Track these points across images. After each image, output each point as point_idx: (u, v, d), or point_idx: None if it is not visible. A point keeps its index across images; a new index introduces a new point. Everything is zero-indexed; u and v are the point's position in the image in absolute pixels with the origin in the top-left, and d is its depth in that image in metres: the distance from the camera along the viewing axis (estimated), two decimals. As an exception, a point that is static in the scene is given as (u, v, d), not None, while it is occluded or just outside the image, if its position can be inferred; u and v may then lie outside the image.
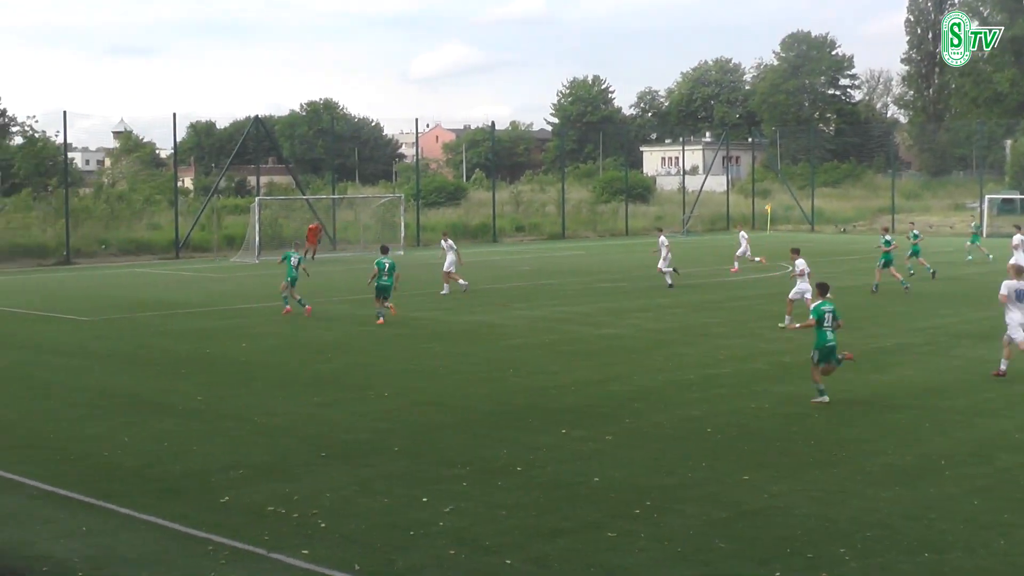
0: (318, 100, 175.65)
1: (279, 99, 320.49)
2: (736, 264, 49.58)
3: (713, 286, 42.32)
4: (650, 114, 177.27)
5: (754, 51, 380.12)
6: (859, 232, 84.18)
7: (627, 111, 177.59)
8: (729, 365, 25.06)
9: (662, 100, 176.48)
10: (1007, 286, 23.07)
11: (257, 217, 62.00)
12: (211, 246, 65.81)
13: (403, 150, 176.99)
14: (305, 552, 12.80)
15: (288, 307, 34.94)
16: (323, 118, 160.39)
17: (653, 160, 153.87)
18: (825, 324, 20.88)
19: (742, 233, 51.47)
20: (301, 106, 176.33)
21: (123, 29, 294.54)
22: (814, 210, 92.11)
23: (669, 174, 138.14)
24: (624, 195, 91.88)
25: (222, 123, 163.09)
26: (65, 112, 62.98)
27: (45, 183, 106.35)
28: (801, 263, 32.59)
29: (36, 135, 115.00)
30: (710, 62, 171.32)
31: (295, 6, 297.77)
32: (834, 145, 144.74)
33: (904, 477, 15.77)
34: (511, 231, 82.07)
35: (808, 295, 31.23)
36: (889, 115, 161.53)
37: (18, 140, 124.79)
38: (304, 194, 78.15)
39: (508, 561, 12.55)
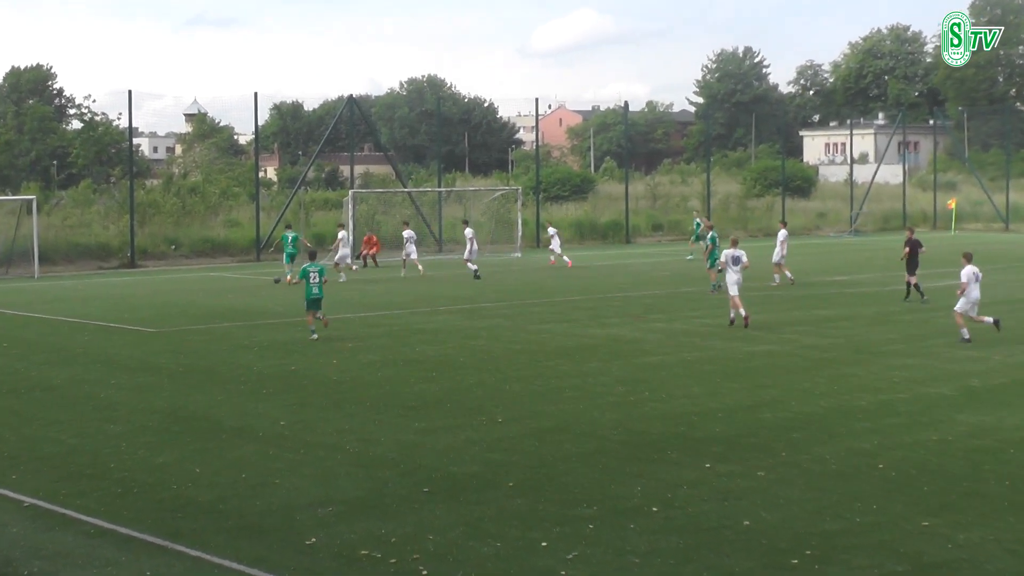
0: (421, 77, 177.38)
1: (377, 76, 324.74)
2: (553, 259, 57.46)
3: (887, 296, 41.78)
4: (812, 92, 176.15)
5: (937, 16, 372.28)
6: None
7: (784, 89, 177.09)
8: (906, 389, 24.73)
9: (826, 76, 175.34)
10: (725, 254, 34.85)
11: (351, 213, 62.42)
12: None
13: (521, 135, 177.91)
14: (404, 603, 12.87)
15: None
16: (428, 98, 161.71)
17: (815, 147, 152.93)
18: (311, 280, 31.77)
19: (551, 229, 59.37)
20: (402, 84, 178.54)
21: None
22: (1009, 206, 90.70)
23: (834, 163, 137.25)
24: (781, 188, 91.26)
25: (310, 104, 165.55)
26: (131, 92, 63.74)
27: (107, 174, 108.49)
28: (409, 232, 52.24)
29: (96, 118, 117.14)
30: (884, 30, 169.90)
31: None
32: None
33: (1120, 526, 15.45)
34: (647, 230, 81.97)
35: (414, 254, 51.73)
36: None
37: (76, 124, 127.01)
38: (405, 186, 78.75)
39: (642, 618, 12.54)
